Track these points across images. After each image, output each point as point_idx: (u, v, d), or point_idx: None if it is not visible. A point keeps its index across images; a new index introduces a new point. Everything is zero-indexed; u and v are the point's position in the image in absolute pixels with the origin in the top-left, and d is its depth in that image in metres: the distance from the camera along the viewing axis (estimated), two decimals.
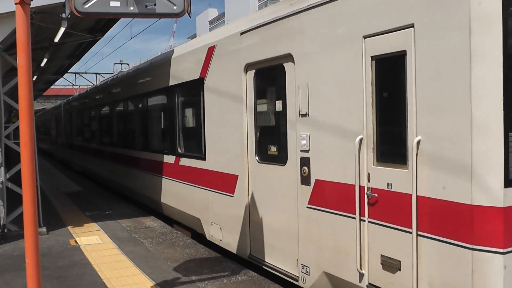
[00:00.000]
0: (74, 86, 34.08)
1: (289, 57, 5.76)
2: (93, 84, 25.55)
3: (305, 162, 5.53)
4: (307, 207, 5.53)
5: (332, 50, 5.07)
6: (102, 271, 6.81)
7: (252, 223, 6.74)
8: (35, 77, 18.66)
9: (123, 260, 7.41)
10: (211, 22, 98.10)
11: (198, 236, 8.77)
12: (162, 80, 9.79)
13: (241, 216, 6.93)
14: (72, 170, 22.91)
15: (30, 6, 4.20)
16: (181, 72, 8.80)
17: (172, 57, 9.29)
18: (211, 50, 7.60)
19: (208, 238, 8.08)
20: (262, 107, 6.53)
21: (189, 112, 9.11)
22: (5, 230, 8.79)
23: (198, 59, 8.02)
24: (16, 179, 8.66)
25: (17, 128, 9.10)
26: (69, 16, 8.01)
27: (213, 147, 7.69)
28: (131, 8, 4.20)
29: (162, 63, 9.82)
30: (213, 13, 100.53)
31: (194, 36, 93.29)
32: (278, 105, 6.10)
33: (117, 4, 4.18)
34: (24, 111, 4.16)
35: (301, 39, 5.52)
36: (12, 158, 18.64)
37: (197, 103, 8.33)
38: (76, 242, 8.52)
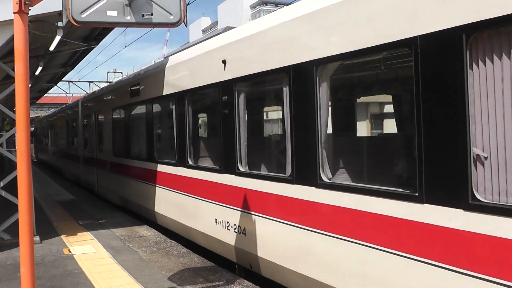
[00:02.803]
0: (67, 95, 34.00)
1: None
2: (87, 93, 25.30)
3: None
4: None
5: None
6: (96, 281, 6.77)
7: None
8: (29, 85, 18.55)
9: (117, 269, 7.37)
10: (204, 31, 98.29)
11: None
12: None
13: None
14: (81, 187, 18.23)
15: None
16: None
17: None
18: None
19: None
20: None
21: None
22: None
23: None
24: (7, 187, 8.61)
25: (10, 136, 9.12)
26: (65, 25, 8.03)
27: None
28: (128, 18, 4.20)
29: None
30: (206, 21, 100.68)
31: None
32: None
33: (114, 13, 4.19)
34: (21, 120, 4.17)
35: None
36: (4, 166, 18.56)
37: None
38: (70, 251, 8.47)
